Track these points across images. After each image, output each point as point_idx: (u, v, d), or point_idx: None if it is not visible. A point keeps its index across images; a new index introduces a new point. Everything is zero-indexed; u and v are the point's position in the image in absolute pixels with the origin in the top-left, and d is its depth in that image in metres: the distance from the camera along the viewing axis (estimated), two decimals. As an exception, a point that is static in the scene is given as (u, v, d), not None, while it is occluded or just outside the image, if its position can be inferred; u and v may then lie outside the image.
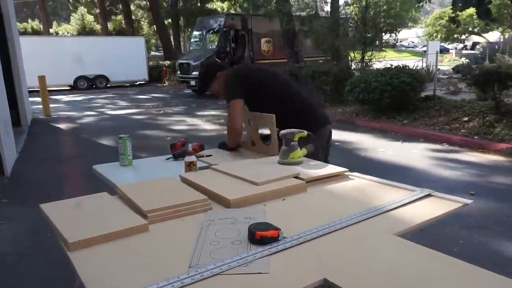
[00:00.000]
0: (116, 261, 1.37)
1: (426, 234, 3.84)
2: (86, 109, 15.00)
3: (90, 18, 44.13)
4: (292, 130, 2.43)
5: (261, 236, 1.43)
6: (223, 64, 3.30)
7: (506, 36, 35.17)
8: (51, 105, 14.11)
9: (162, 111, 13.78)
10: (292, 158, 2.38)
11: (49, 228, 1.69)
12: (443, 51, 36.35)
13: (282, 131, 2.44)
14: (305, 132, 2.44)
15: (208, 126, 10.64)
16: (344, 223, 1.60)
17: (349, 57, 14.58)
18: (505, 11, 28.51)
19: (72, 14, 46.41)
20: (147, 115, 12.94)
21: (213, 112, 13.12)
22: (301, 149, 2.44)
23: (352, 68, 13.87)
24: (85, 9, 43.47)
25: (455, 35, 41.44)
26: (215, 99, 16.30)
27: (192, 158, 2.44)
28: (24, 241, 4.22)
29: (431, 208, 1.77)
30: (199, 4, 35.39)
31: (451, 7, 11.83)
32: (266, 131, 2.93)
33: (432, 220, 1.68)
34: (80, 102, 17.68)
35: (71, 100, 18.28)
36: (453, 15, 12.00)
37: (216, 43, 17.85)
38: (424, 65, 16.46)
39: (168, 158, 2.90)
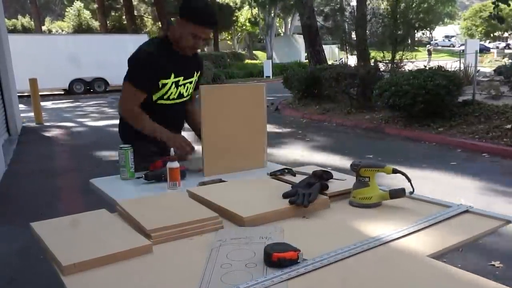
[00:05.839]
0: (116, 286, 1.38)
1: (465, 253, 3.80)
2: (64, 119, 14.89)
3: (87, 13, 44.49)
4: (369, 161, 2.05)
5: (279, 258, 1.42)
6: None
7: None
8: (30, 113, 14.08)
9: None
10: (354, 197, 2.05)
11: (41, 250, 1.70)
12: (483, 50, 36.18)
13: (354, 162, 2.07)
14: (389, 168, 2.01)
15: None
16: (372, 243, 1.58)
17: (377, 57, 14.51)
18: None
19: (66, 9, 46.76)
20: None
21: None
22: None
23: (381, 69, 13.80)
24: (82, 4, 43.78)
25: (497, 32, 41.14)
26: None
27: (175, 164, 2.39)
28: (14, 263, 4.23)
29: (470, 226, 1.76)
30: (209, -2, 35.51)
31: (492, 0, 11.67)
32: None
33: (470, 240, 1.67)
34: (63, 110, 17.56)
35: (55, 108, 18.26)
36: (495, 12, 11.84)
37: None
38: (462, 66, 16.37)
39: (139, 177, 2.65)
